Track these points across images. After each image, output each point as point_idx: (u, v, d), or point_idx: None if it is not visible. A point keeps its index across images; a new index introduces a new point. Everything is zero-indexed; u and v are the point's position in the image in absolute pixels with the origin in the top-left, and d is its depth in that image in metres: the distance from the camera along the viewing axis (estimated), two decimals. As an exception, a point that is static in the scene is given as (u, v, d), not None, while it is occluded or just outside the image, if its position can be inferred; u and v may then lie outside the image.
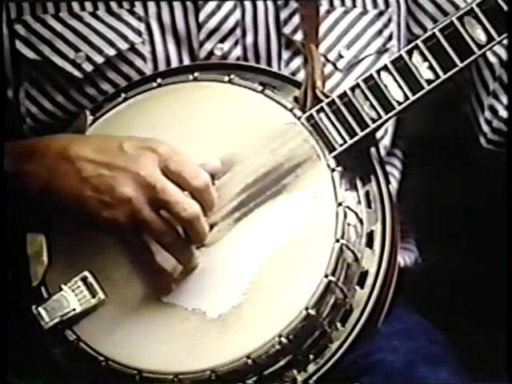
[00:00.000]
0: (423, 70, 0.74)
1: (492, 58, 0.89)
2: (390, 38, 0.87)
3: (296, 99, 0.67)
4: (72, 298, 0.69)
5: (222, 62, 0.71)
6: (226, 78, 0.67)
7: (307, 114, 0.66)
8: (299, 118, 0.66)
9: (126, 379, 0.64)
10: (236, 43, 0.71)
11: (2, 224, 0.66)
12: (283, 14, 0.71)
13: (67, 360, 0.73)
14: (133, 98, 0.76)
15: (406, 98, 0.64)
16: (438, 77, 0.74)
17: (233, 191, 0.64)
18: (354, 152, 0.67)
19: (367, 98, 0.65)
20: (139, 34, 0.69)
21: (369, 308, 0.64)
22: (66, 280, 0.65)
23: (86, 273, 0.65)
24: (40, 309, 0.72)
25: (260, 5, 0.69)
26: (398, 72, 0.64)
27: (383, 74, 0.65)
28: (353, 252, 0.65)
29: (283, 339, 0.57)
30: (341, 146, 0.66)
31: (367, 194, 0.73)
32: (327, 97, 0.66)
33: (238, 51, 0.71)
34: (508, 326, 0.95)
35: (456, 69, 0.75)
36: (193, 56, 0.70)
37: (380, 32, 0.86)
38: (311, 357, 0.61)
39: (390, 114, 0.65)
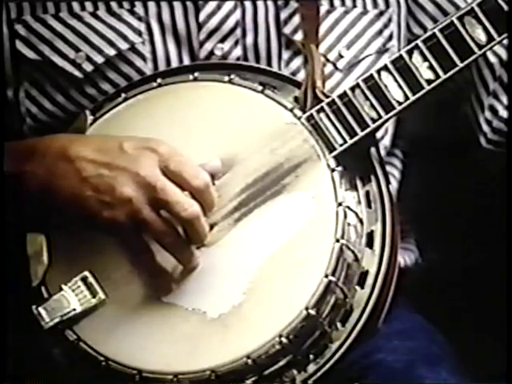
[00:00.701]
0: (423, 69, 0.74)
1: (492, 58, 0.89)
2: (390, 37, 0.86)
3: (296, 99, 0.67)
4: (72, 297, 0.69)
5: (222, 61, 0.71)
6: (226, 78, 0.67)
7: (307, 114, 0.66)
8: (299, 118, 0.66)
9: (126, 379, 0.64)
10: (236, 43, 0.71)
11: (2, 224, 0.66)
12: (283, 14, 0.71)
13: (67, 360, 0.73)
14: (133, 98, 0.76)
15: (406, 97, 0.64)
16: (438, 77, 0.74)
17: (233, 191, 0.64)
18: (354, 152, 0.67)
19: (367, 98, 0.65)
20: (139, 33, 0.69)
21: (369, 308, 0.63)
22: (66, 280, 0.65)
23: (86, 273, 0.65)
24: (40, 309, 0.72)
25: (260, 5, 0.69)
26: (398, 72, 0.64)
27: (383, 73, 0.65)
28: (353, 252, 0.65)
29: (283, 339, 0.57)
30: (341, 145, 0.66)
31: (367, 193, 0.72)
32: (327, 97, 0.66)
33: (238, 51, 0.71)
34: (508, 326, 0.95)
35: (456, 69, 0.75)
36: (193, 56, 0.70)
37: (380, 32, 0.85)
38: (311, 357, 0.61)
39: (390, 114, 0.65)
